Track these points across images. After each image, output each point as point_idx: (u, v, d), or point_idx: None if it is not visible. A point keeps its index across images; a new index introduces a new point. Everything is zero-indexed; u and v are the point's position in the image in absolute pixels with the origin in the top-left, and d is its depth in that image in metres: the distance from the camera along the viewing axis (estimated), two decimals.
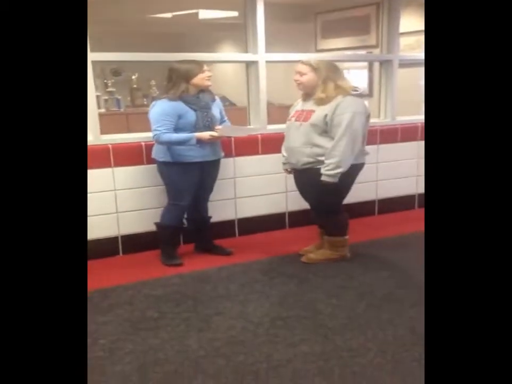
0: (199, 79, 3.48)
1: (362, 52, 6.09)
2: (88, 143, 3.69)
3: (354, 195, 3.81)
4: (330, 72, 3.36)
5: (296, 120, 3.50)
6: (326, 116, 3.33)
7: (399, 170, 4.88)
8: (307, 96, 3.50)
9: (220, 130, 3.54)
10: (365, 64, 6.32)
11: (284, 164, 3.71)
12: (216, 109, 3.66)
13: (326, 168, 3.33)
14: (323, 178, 3.35)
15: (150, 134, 3.54)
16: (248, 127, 4.31)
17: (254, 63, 4.19)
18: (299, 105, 3.57)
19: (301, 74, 3.42)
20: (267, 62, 4.20)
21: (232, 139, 4.05)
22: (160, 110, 3.45)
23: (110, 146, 3.78)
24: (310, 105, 3.45)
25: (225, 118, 3.76)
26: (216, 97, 3.73)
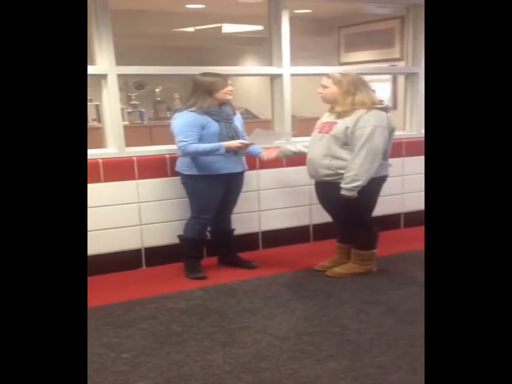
0: (221, 93, 3.46)
1: (385, 65, 6.04)
2: (113, 155, 3.70)
3: (380, 208, 3.73)
4: (352, 86, 3.34)
5: (319, 132, 3.49)
6: (347, 128, 3.31)
7: None
8: (332, 108, 3.48)
9: (250, 137, 3.50)
10: (387, 77, 6.26)
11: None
12: (238, 122, 3.64)
13: (344, 181, 3.32)
14: (342, 192, 3.33)
15: (174, 147, 3.52)
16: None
17: (279, 76, 4.17)
18: (325, 117, 3.54)
19: (324, 87, 3.43)
20: (291, 75, 4.18)
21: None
22: (184, 121, 3.43)
23: (134, 158, 3.77)
24: (333, 118, 3.43)
25: (245, 134, 3.67)
26: (237, 111, 3.71)
